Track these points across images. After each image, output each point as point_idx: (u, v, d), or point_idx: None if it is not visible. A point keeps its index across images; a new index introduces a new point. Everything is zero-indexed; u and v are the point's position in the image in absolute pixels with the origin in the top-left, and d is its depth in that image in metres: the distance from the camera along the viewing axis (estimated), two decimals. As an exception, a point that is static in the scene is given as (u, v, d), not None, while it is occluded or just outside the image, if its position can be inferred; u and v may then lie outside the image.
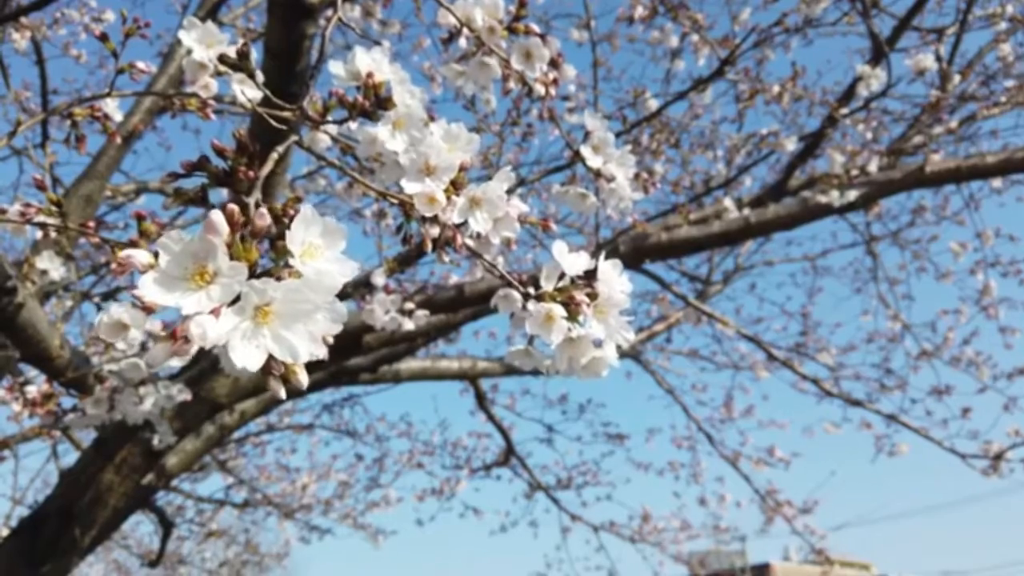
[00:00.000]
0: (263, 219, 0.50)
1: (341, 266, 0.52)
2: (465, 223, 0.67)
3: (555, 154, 4.89)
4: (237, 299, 0.48)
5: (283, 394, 0.50)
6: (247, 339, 0.48)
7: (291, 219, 0.50)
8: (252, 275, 0.50)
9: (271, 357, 0.49)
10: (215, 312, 0.47)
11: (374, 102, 0.69)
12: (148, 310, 0.47)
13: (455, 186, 0.65)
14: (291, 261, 0.50)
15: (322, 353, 0.50)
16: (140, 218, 0.88)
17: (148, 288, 0.47)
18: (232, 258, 0.49)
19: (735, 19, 3.58)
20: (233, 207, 0.49)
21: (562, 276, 0.65)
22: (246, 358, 0.48)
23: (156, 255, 0.48)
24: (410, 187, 0.63)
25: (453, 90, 1.02)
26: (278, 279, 0.49)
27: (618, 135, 2.78)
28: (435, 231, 0.64)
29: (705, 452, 6.03)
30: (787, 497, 5.06)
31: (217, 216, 0.48)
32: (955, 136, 3.52)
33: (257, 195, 0.55)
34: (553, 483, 5.75)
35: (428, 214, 0.63)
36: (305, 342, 0.49)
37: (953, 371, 4.73)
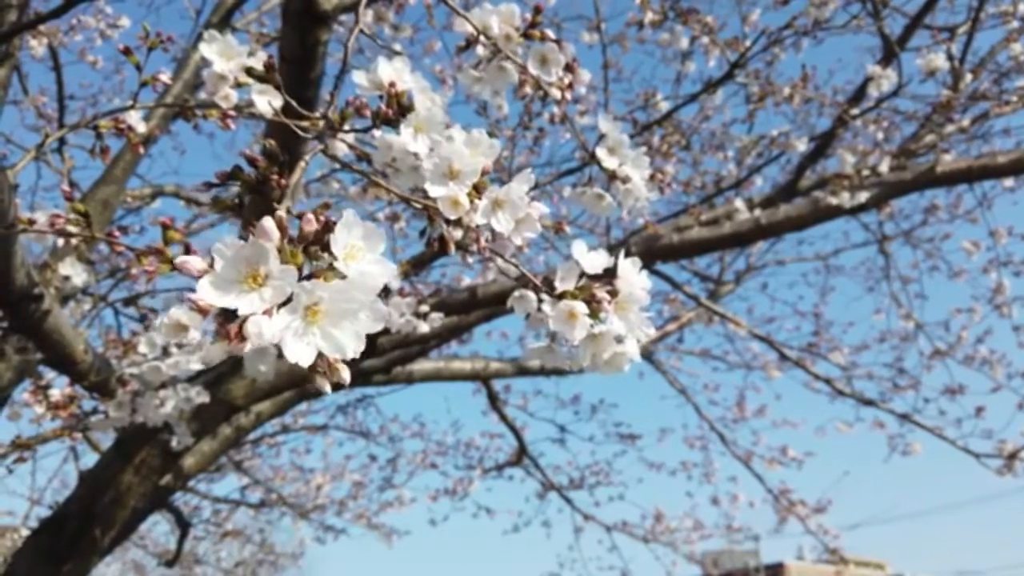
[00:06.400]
0: (310, 224, 0.53)
1: (382, 267, 0.55)
2: (485, 225, 0.69)
3: (566, 156, 4.92)
4: (288, 300, 0.52)
5: (328, 389, 0.53)
6: (298, 337, 0.51)
7: (323, 224, 0.53)
8: (300, 277, 0.53)
9: (317, 355, 0.52)
10: (268, 312, 0.50)
11: (396, 110, 0.71)
12: (204, 312, 0.50)
13: (477, 189, 0.67)
14: (335, 263, 0.53)
15: (361, 350, 0.53)
16: (166, 227, 0.90)
17: (205, 291, 0.51)
18: (282, 262, 0.52)
19: (745, 20, 3.59)
20: (282, 214, 0.52)
21: (581, 275, 0.67)
22: (298, 354, 0.51)
23: (211, 261, 0.51)
24: (435, 191, 0.65)
25: (465, 94, 1.04)
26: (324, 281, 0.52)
27: (629, 138, 2.80)
28: (458, 233, 0.66)
29: (718, 452, 6.02)
30: (800, 496, 5.05)
31: (268, 222, 0.52)
32: (967, 135, 3.51)
33: (288, 202, 0.58)
34: (566, 483, 5.76)
35: (452, 217, 0.66)
36: (352, 339, 0.52)
37: (967, 370, 4.72)
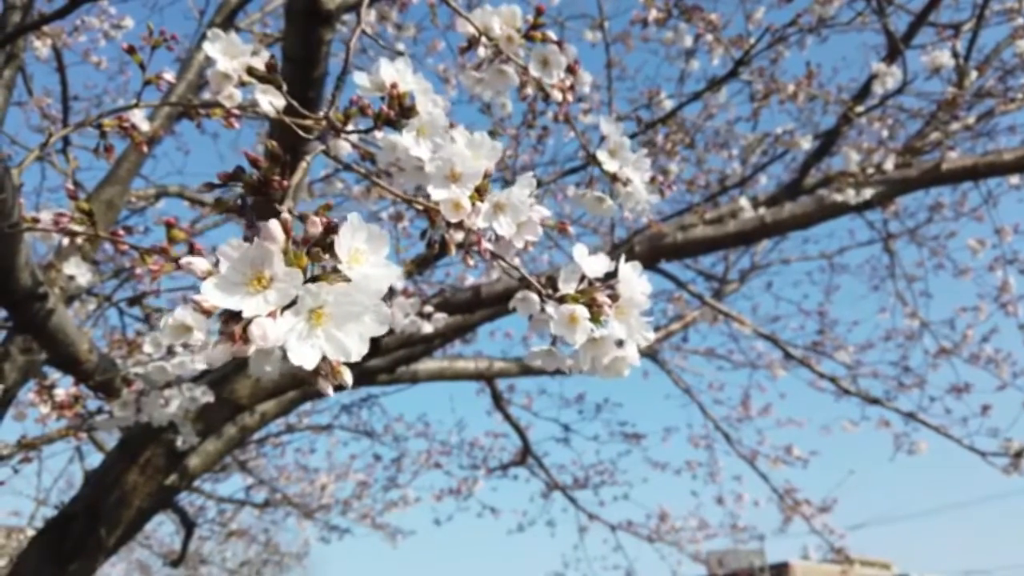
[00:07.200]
0: (315, 227, 0.53)
1: (386, 271, 0.55)
2: (487, 227, 0.69)
3: (570, 154, 4.92)
4: (292, 302, 0.52)
5: (331, 391, 0.54)
6: (302, 339, 0.52)
7: (327, 227, 0.53)
8: (304, 280, 0.53)
9: (320, 358, 0.52)
10: (272, 315, 0.51)
11: (398, 112, 0.71)
12: (208, 313, 0.50)
13: (479, 192, 0.67)
14: (339, 266, 0.53)
15: (364, 352, 0.53)
16: (169, 226, 0.90)
17: (210, 292, 0.51)
18: (287, 264, 0.52)
19: (749, 18, 3.58)
20: (287, 217, 0.52)
21: (582, 279, 0.67)
22: (303, 357, 0.51)
23: (216, 262, 0.51)
24: (437, 193, 0.65)
25: (469, 93, 1.04)
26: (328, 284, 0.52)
27: (633, 136, 2.79)
28: (459, 236, 0.66)
29: (722, 451, 6.02)
30: (805, 496, 5.04)
31: (274, 225, 0.52)
32: (972, 132, 3.50)
33: (290, 202, 0.58)
34: (570, 482, 5.77)
35: (454, 220, 0.66)
36: (356, 342, 0.52)
37: (972, 369, 4.72)
